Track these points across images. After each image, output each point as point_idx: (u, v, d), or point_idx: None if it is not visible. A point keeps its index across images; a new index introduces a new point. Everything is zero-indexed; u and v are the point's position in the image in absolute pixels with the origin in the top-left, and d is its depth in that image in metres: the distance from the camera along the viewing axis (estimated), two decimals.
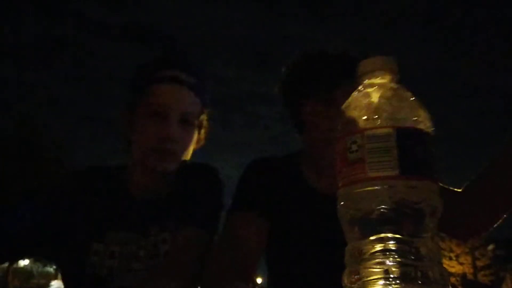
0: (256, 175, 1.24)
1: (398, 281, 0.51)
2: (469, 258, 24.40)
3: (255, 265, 1.14)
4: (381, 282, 0.51)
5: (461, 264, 24.34)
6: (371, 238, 0.53)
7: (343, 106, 0.59)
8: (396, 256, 0.52)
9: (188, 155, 1.26)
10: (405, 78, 0.58)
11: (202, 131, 1.31)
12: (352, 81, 1.17)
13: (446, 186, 1.14)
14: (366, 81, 0.59)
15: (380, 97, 0.56)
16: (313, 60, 1.19)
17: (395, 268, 0.51)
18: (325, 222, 0.85)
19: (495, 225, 1.11)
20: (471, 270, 23.83)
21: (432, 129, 0.56)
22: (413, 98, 0.57)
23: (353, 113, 0.57)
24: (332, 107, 1.11)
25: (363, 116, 0.55)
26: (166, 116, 1.18)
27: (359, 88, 0.60)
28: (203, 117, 1.29)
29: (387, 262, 0.52)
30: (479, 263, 25.20)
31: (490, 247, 26.71)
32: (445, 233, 1.13)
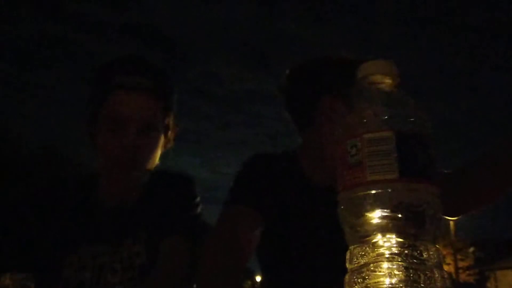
0: (254, 170, 1.19)
1: (400, 285, 0.48)
2: (452, 260, 24.51)
3: (246, 259, 1.07)
4: (384, 285, 0.48)
5: (448, 264, 24.41)
6: (372, 241, 0.50)
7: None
8: (398, 260, 0.49)
9: (155, 160, 1.19)
10: (405, 78, 0.55)
11: (169, 133, 1.23)
12: None
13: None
14: (366, 85, 0.55)
15: (380, 100, 0.53)
16: (334, 57, 1.17)
17: (398, 271, 0.48)
18: (325, 217, 0.79)
19: (484, 205, 1.08)
20: (453, 270, 23.94)
21: (432, 131, 0.52)
22: (413, 101, 0.54)
23: (353, 117, 0.54)
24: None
25: (363, 120, 0.52)
26: (124, 126, 1.10)
27: (359, 91, 0.56)
28: (169, 119, 1.21)
29: (389, 266, 0.49)
30: (463, 264, 25.30)
31: (471, 249, 26.86)
32: (446, 213, 1.10)
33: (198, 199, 1.24)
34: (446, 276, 0.50)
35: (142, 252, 1.12)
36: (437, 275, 0.49)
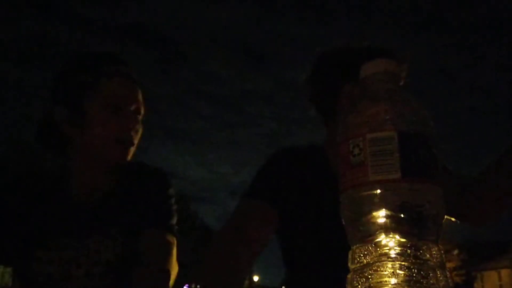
0: (277, 164, 1.15)
1: (403, 284, 0.45)
2: None
3: (253, 255, 1.03)
4: (387, 285, 0.46)
5: None
6: (375, 241, 0.48)
7: (345, 110, 0.54)
8: (400, 259, 0.47)
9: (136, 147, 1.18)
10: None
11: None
12: None
13: (459, 173, 1.07)
14: (368, 84, 0.53)
15: (382, 100, 0.51)
16: (359, 45, 1.12)
17: (400, 271, 0.46)
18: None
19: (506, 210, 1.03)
20: None
21: (434, 131, 0.50)
22: (415, 100, 0.51)
23: (356, 116, 0.51)
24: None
25: (366, 119, 0.50)
26: (124, 108, 1.11)
27: (361, 90, 0.54)
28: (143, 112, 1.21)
29: (392, 265, 0.46)
30: (450, 265, 25.30)
31: (455, 252, 26.85)
32: (459, 218, 1.04)
33: (173, 193, 1.20)
34: (448, 276, 0.48)
35: (110, 247, 1.09)
36: (439, 275, 0.47)
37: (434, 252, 0.48)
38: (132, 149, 1.13)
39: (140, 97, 1.15)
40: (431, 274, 0.46)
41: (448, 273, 0.48)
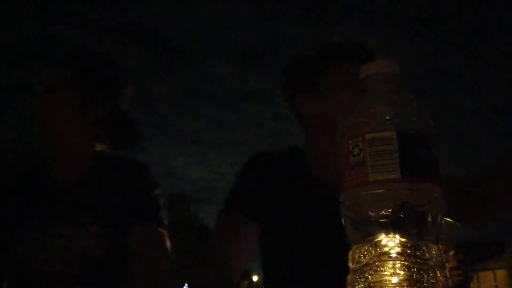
0: (252, 172, 1.12)
1: (403, 284, 0.45)
2: None
3: (235, 272, 1.03)
4: (387, 285, 0.45)
5: None
6: (375, 241, 0.48)
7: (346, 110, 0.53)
8: (400, 259, 0.46)
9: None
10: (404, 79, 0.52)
11: None
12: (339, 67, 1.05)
13: (460, 175, 1.05)
14: (368, 84, 0.53)
15: (382, 100, 0.51)
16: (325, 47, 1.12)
17: (400, 271, 0.45)
18: (331, 215, 0.68)
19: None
20: None
21: (434, 131, 0.49)
22: (415, 100, 0.51)
23: (355, 117, 0.51)
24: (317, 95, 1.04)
25: (365, 119, 0.49)
26: None
27: (361, 91, 0.54)
28: None
29: (392, 265, 0.46)
30: (447, 266, 25.23)
31: (451, 252, 26.86)
32: (458, 220, 1.02)
33: (156, 184, 1.21)
34: (448, 276, 0.47)
35: (85, 235, 1.10)
36: (439, 275, 0.46)
37: (434, 252, 0.47)
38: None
39: None
40: (431, 274, 0.46)
41: (448, 272, 0.48)
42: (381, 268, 0.46)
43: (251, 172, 1.13)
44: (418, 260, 0.46)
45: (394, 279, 0.45)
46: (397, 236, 0.47)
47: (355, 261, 0.49)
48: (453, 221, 1.00)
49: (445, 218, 0.51)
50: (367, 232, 0.49)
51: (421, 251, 0.46)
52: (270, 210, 1.07)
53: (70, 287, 1.08)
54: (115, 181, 1.17)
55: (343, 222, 0.52)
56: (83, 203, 1.14)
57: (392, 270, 0.46)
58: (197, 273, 1.01)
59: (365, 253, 0.48)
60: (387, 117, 0.49)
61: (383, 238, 0.48)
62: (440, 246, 0.49)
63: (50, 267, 1.08)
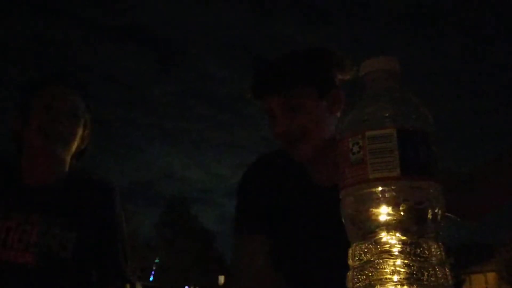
0: (253, 184, 1.11)
1: (403, 282, 0.43)
2: None
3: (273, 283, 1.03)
4: (387, 282, 0.43)
5: None
6: (375, 239, 0.46)
7: (345, 108, 0.52)
8: (401, 257, 0.44)
9: (75, 146, 1.24)
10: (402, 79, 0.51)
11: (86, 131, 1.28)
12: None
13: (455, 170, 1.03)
14: (368, 82, 0.51)
15: (382, 97, 0.49)
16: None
17: (401, 268, 0.44)
18: (329, 215, 0.68)
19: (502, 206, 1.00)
20: None
21: (434, 129, 0.48)
22: (415, 98, 0.49)
23: (355, 114, 0.50)
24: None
25: (365, 117, 0.48)
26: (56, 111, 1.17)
27: (361, 88, 0.52)
28: (88, 117, 1.26)
29: (392, 263, 0.44)
30: None
31: None
32: (456, 215, 0.99)
33: (122, 213, 1.30)
34: (448, 273, 0.46)
35: (56, 236, 1.15)
36: (439, 272, 0.45)
37: (434, 250, 0.46)
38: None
39: (75, 101, 1.21)
40: (431, 272, 0.44)
41: (448, 270, 0.46)
42: (382, 266, 0.45)
43: (252, 183, 1.11)
44: (418, 258, 0.44)
45: (395, 277, 0.44)
46: (397, 234, 0.46)
47: (355, 258, 0.47)
48: (451, 215, 0.98)
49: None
50: (367, 229, 0.47)
51: (421, 249, 0.45)
52: (278, 220, 1.06)
53: (33, 279, 1.11)
54: (85, 196, 1.24)
55: (343, 220, 0.50)
56: (55, 207, 1.18)
57: (392, 268, 0.44)
58: None
59: (366, 250, 0.46)
60: (387, 115, 0.47)
61: (383, 236, 0.46)
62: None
63: (15, 258, 1.11)
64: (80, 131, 1.22)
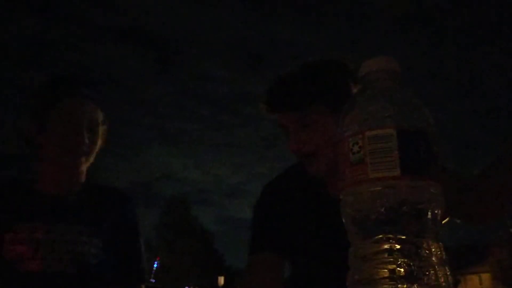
0: (268, 206, 1.10)
1: (403, 282, 0.42)
2: None
3: None
4: (387, 282, 0.42)
5: None
6: (375, 238, 0.45)
7: (345, 108, 0.51)
8: (400, 257, 0.44)
9: (91, 159, 1.25)
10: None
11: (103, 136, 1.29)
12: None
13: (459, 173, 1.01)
14: (368, 82, 0.51)
15: (382, 97, 0.49)
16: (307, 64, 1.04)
17: (400, 268, 0.43)
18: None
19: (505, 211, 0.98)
20: None
21: (434, 129, 0.47)
22: (415, 98, 0.49)
23: (355, 114, 0.49)
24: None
25: (365, 117, 0.47)
26: (76, 125, 1.17)
27: (361, 88, 0.52)
28: (104, 128, 1.27)
29: (393, 262, 0.43)
30: None
31: None
32: (459, 218, 0.98)
33: (139, 222, 1.33)
34: (448, 273, 0.45)
35: (87, 243, 1.17)
36: (440, 272, 0.44)
37: (434, 249, 0.45)
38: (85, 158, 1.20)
39: (94, 114, 1.20)
40: (431, 271, 0.43)
41: (448, 270, 0.46)
42: (382, 266, 0.44)
43: (267, 205, 1.10)
44: (419, 258, 0.44)
45: (395, 277, 0.43)
46: (397, 234, 0.45)
47: (356, 258, 0.46)
48: (451, 218, 0.97)
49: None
50: (367, 229, 0.46)
51: (421, 249, 0.44)
52: (294, 240, 1.05)
53: (65, 286, 1.12)
54: (105, 203, 1.26)
55: (343, 220, 0.49)
56: (78, 215, 1.20)
57: (392, 268, 0.44)
58: None
59: (366, 250, 0.46)
60: (387, 115, 0.47)
61: (383, 236, 0.45)
62: None
63: (48, 266, 1.11)
64: (99, 143, 1.22)
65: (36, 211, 1.17)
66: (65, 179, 1.21)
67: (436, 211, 0.46)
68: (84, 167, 1.23)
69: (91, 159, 1.23)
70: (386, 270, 0.44)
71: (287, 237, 1.05)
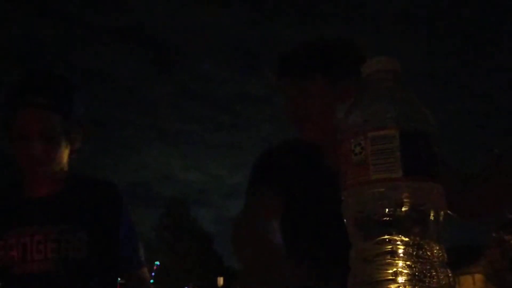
0: (268, 161, 1.12)
1: (405, 283, 0.41)
2: None
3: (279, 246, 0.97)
4: (389, 284, 0.41)
5: None
6: (377, 239, 0.44)
7: (347, 107, 0.50)
8: (403, 258, 0.43)
9: (64, 159, 1.21)
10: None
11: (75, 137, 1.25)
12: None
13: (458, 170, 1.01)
14: (370, 82, 0.50)
15: (384, 98, 0.48)
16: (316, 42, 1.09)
17: (402, 270, 0.42)
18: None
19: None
20: None
21: (436, 129, 0.46)
22: (417, 99, 0.48)
23: (357, 115, 0.48)
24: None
25: (367, 118, 0.46)
26: (27, 137, 1.13)
27: (363, 89, 0.51)
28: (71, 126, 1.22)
29: (394, 264, 0.42)
30: None
31: None
32: (457, 214, 0.95)
33: (128, 208, 1.32)
34: (450, 274, 0.44)
35: (71, 240, 1.16)
36: (441, 274, 0.43)
37: (436, 251, 0.44)
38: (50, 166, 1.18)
39: (47, 122, 1.15)
40: (433, 273, 0.42)
41: (450, 271, 0.44)
42: (384, 267, 0.43)
43: (267, 160, 1.12)
44: (421, 259, 0.43)
45: (397, 278, 0.42)
46: (399, 235, 0.44)
47: (357, 259, 0.45)
48: (451, 215, 0.95)
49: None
50: (369, 231, 0.45)
51: (423, 250, 0.43)
52: (292, 190, 1.05)
53: (54, 285, 1.14)
54: (89, 196, 1.25)
55: (345, 221, 0.48)
56: (61, 214, 1.20)
57: (394, 269, 0.43)
58: (247, 252, 0.96)
59: (367, 251, 0.45)
60: (389, 115, 0.46)
61: (385, 237, 0.44)
62: None
63: (38, 267, 1.13)
64: (60, 150, 1.18)
65: (23, 216, 1.18)
66: (44, 183, 1.21)
67: (438, 213, 0.45)
68: (58, 168, 1.19)
69: (64, 160, 1.20)
70: (388, 272, 0.42)
71: (284, 194, 1.05)
